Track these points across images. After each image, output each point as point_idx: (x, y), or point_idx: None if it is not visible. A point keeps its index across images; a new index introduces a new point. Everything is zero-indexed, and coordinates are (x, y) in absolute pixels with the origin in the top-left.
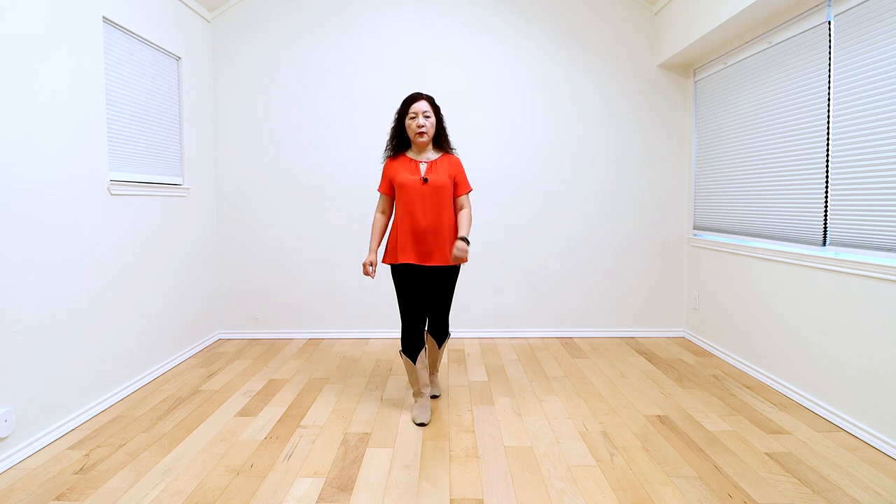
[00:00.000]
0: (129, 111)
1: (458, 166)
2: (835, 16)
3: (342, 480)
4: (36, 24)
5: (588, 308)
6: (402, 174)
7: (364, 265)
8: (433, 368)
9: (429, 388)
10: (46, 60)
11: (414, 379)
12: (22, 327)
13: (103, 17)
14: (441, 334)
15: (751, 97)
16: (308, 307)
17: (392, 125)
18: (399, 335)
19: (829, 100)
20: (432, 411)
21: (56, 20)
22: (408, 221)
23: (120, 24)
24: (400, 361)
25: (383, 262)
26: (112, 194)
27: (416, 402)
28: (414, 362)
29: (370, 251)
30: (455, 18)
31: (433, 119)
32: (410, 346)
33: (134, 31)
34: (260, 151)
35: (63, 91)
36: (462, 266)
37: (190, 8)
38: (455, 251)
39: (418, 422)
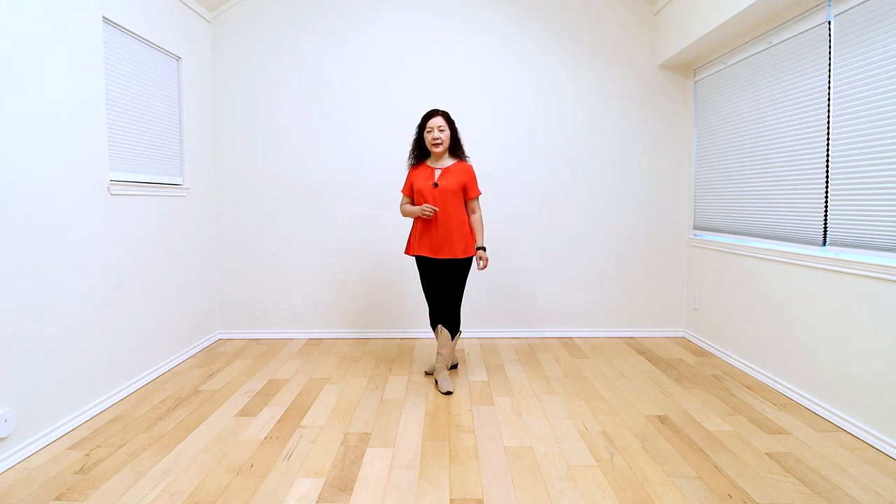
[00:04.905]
0: (129, 111)
1: (468, 172)
2: (835, 16)
3: (342, 480)
4: (36, 24)
5: (588, 308)
6: (419, 180)
7: (424, 212)
8: (447, 362)
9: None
10: (46, 60)
11: (444, 346)
12: (22, 327)
13: (103, 17)
14: (451, 325)
15: (751, 97)
16: (308, 307)
17: (414, 137)
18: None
19: (828, 100)
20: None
21: (56, 20)
22: (422, 219)
23: (120, 24)
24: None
25: (405, 253)
26: (112, 194)
27: (439, 374)
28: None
29: (415, 211)
30: (456, 18)
31: (448, 132)
32: (436, 319)
33: (134, 31)
34: (260, 151)
35: (63, 91)
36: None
37: (190, 8)
38: (478, 264)
39: (445, 390)
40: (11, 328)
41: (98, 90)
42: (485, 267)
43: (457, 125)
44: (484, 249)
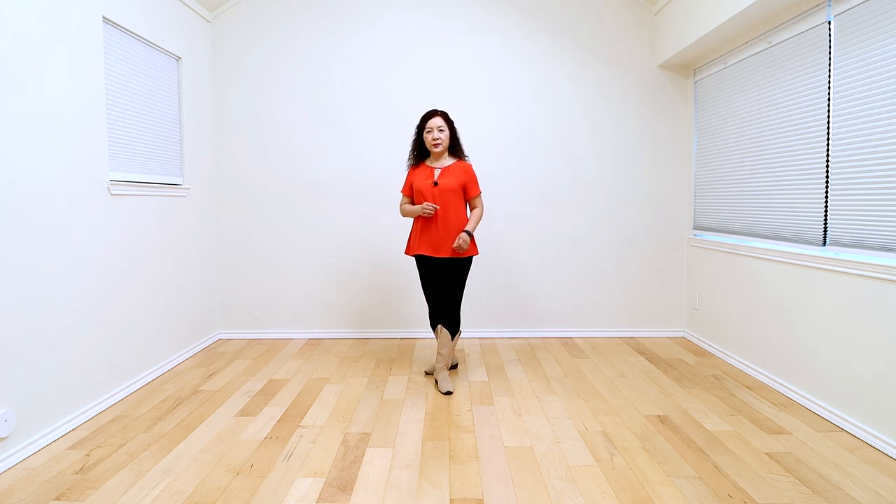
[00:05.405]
0: (129, 111)
1: (468, 171)
2: (835, 16)
3: (342, 480)
4: (36, 24)
5: (588, 308)
6: (419, 180)
7: (424, 210)
8: (447, 362)
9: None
10: (46, 60)
11: (445, 346)
12: (22, 327)
13: (103, 17)
14: (451, 325)
15: (751, 97)
16: (308, 307)
17: (413, 138)
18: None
19: (828, 100)
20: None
21: (56, 20)
22: (422, 219)
23: (120, 24)
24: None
25: (405, 253)
26: (112, 194)
27: (440, 374)
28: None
29: (415, 210)
30: (456, 18)
31: (447, 132)
32: (435, 319)
33: (134, 31)
34: (260, 151)
35: (63, 91)
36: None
37: (190, 8)
38: (456, 241)
39: (445, 391)
40: (11, 328)
41: (98, 90)
42: (463, 248)
43: (456, 125)
44: (470, 235)
